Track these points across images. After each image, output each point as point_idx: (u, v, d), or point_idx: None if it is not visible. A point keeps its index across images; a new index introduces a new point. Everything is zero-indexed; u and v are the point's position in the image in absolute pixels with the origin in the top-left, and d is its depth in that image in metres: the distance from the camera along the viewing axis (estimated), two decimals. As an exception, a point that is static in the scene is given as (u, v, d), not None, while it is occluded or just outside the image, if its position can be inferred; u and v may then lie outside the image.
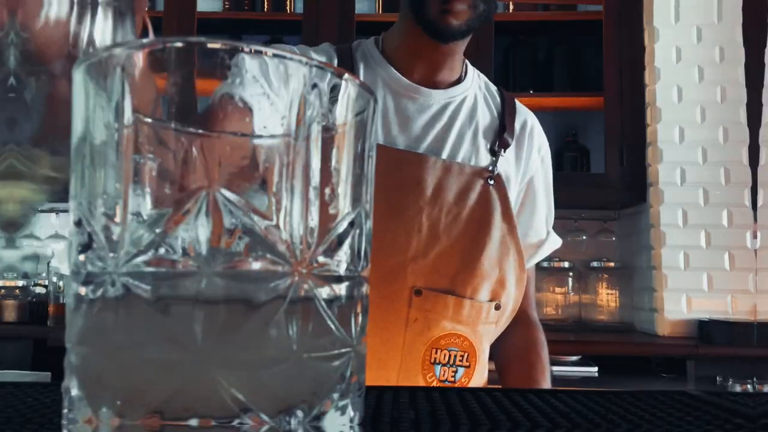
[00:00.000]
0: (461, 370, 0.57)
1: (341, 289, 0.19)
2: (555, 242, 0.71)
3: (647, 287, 1.50)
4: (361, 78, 0.63)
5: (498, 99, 0.68)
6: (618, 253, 1.70)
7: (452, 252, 0.58)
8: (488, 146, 0.64)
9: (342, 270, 0.19)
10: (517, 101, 0.70)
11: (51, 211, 1.75)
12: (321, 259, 0.18)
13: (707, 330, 1.32)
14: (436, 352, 0.56)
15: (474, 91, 0.66)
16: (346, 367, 0.19)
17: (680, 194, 1.43)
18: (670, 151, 1.45)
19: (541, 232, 0.69)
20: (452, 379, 0.57)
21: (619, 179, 1.51)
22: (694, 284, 1.40)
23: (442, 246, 0.57)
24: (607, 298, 1.62)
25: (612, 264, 1.62)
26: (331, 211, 0.18)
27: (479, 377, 0.61)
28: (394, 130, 0.61)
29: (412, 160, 0.59)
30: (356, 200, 0.19)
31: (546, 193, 0.70)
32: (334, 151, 0.18)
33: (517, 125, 0.67)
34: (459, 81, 0.65)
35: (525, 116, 0.69)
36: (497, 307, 0.60)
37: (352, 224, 0.19)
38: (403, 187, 0.58)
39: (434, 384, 0.56)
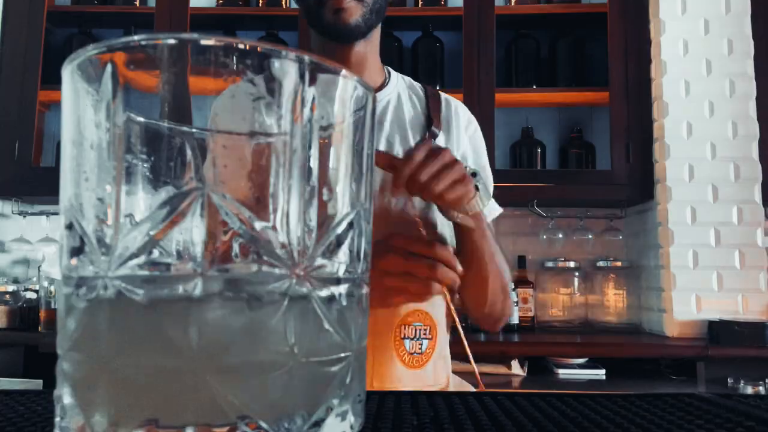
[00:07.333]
0: (426, 342, 0.63)
1: (340, 291, 0.18)
2: (494, 209, 0.74)
3: (655, 287, 1.49)
4: None
5: (422, 94, 0.72)
6: (625, 252, 1.68)
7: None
8: (418, 140, 0.67)
9: (341, 272, 0.19)
10: (441, 92, 0.74)
11: (41, 214, 1.70)
12: (319, 260, 0.18)
13: (717, 330, 1.31)
14: (404, 329, 0.62)
15: (398, 91, 0.70)
16: (345, 372, 0.18)
17: (688, 191, 1.41)
18: (677, 147, 1.43)
19: None
20: (419, 350, 0.63)
21: (626, 176, 1.49)
22: (703, 283, 1.38)
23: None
24: (614, 298, 1.60)
25: (619, 263, 1.60)
26: (330, 211, 0.18)
27: (440, 349, 0.66)
28: None
29: None
30: (355, 200, 0.19)
31: (477, 166, 0.74)
32: (332, 150, 0.18)
33: (443, 114, 0.71)
34: (383, 86, 0.69)
35: (448, 102, 0.73)
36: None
37: (351, 225, 0.19)
38: None
39: (405, 357, 0.61)
